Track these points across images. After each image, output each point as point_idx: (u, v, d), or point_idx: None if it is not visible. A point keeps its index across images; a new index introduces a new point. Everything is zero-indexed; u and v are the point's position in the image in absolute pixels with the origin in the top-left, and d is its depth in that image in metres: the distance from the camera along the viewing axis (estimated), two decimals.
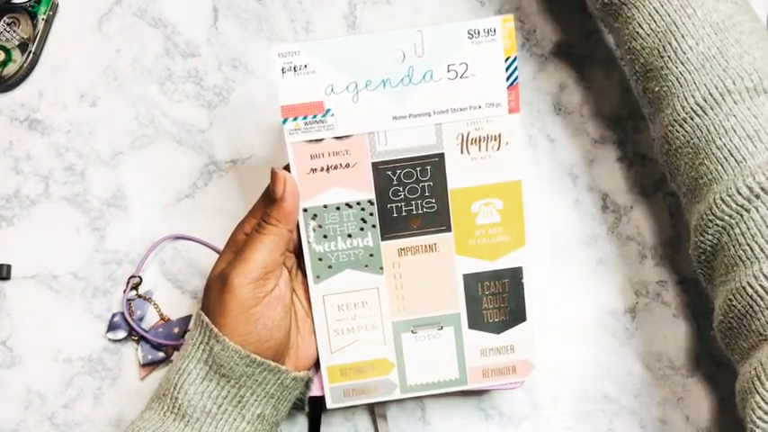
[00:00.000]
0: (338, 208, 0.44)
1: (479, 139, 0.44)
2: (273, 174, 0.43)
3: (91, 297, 0.54)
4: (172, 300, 0.54)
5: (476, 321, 0.46)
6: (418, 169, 0.44)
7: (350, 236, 0.45)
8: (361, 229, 0.45)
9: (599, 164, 0.56)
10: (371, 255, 0.45)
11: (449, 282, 0.46)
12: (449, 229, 0.45)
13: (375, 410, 0.52)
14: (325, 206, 0.44)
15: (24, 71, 0.57)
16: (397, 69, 0.42)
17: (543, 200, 0.55)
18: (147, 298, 0.54)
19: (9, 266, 0.55)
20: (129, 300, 0.53)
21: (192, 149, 0.56)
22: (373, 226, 0.45)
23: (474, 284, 0.46)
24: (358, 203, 0.44)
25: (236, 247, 0.44)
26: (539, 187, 0.55)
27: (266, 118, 0.57)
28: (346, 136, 0.43)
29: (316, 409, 0.52)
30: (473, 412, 0.53)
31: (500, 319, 0.46)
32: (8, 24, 0.57)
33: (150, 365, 0.53)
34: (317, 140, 0.43)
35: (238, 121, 0.56)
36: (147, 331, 0.52)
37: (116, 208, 0.55)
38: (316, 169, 0.44)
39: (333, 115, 0.43)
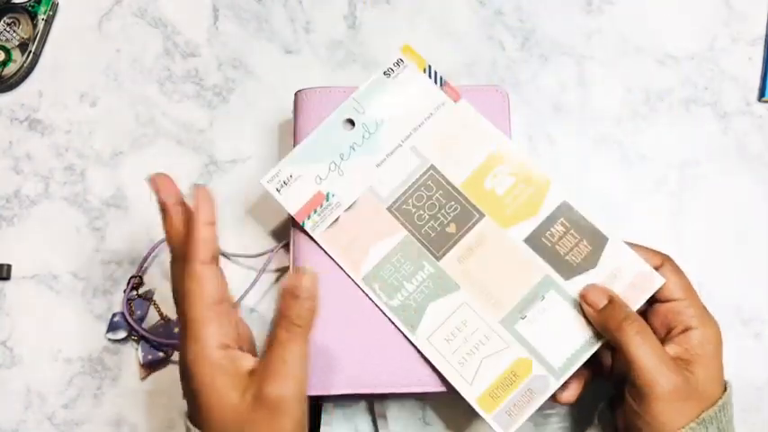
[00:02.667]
0: (386, 261, 0.47)
1: (449, 135, 0.48)
2: (300, 271, 0.39)
3: (91, 297, 0.54)
4: (172, 300, 0.54)
5: (568, 270, 0.46)
6: (423, 188, 0.48)
7: (412, 275, 0.46)
8: (416, 263, 0.47)
9: (599, 164, 0.56)
10: (440, 279, 0.46)
11: (518, 256, 0.46)
12: (482, 216, 0.47)
13: (375, 410, 0.52)
14: (375, 266, 0.47)
15: (24, 71, 0.57)
16: (354, 133, 0.48)
17: None
18: (147, 298, 0.54)
19: (9, 266, 0.55)
20: (129, 300, 0.53)
21: (192, 149, 0.56)
22: (424, 255, 0.47)
23: (539, 242, 0.46)
24: (399, 245, 0.47)
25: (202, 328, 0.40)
26: None
27: (266, 118, 0.57)
28: (353, 204, 0.48)
29: (315, 408, 0.52)
30: (473, 412, 0.53)
31: (586, 253, 0.46)
32: (8, 24, 0.57)
33: (150, 365, 0.53)
34: (334, 222, 0.47)
35: (238, 121, 0.56)
36: (147, 331, 0.52)
37: (116, 208, 0.55)
38: (349, 243, 0.47)
39: (334, 195, 0.48)
